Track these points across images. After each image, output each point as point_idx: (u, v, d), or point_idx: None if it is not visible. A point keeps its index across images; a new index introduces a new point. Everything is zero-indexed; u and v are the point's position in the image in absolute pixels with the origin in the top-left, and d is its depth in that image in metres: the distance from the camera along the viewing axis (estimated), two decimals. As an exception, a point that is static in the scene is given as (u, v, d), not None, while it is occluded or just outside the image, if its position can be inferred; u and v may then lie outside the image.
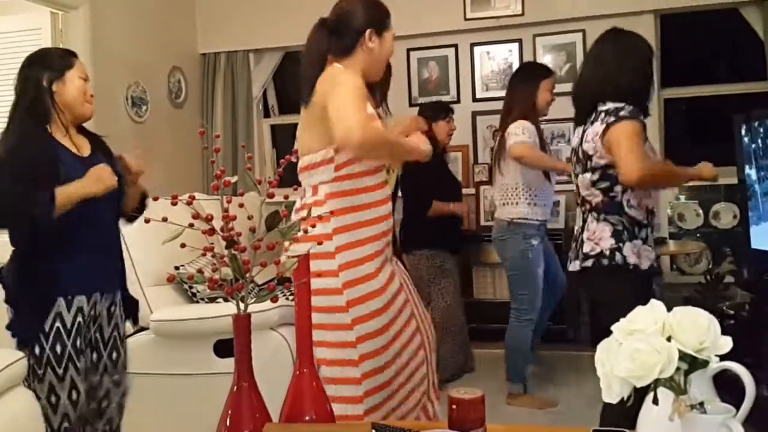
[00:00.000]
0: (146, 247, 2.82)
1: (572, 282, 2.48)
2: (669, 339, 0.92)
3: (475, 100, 4.73)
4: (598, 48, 2.33)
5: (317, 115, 1.92)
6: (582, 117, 2.34)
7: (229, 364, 1.16)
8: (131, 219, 2.26)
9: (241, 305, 1.13)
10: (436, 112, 3.76)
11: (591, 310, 4.15)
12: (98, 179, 1.98)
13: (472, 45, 4.70)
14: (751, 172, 2.98)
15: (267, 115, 5.27)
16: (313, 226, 1.31)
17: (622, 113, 2.16)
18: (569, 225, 4.09)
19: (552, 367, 3.87)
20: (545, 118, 3.51)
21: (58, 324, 2.01)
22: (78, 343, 2.04)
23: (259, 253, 1.14)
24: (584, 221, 2.32)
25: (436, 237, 3.66)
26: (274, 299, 1.16)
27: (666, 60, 4.44)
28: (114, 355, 2.19)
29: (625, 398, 0.93)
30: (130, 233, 2.31)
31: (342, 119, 1.79)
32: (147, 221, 1.23)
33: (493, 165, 3.51)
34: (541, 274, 3.35)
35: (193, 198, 1.18)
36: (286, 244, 1.21)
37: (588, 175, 2.25)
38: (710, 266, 4.32)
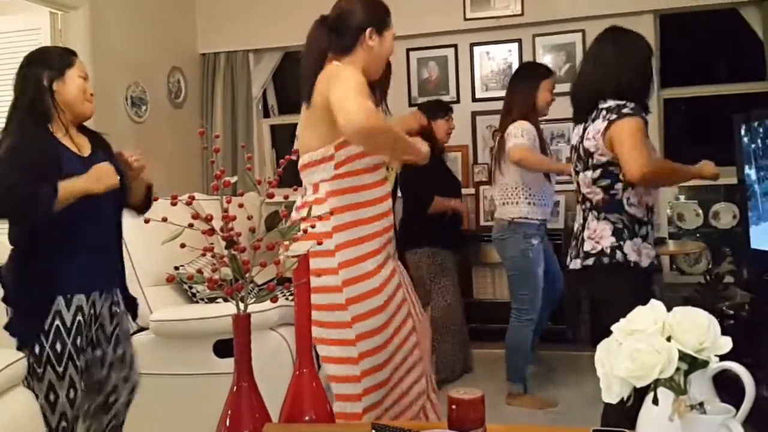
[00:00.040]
0: (146, 247, 2.82)
1: (572, 280, 2.48)
2: (669, 339, 0.92)
3: (474, 100, 4.73)
4: (598, 46, 2.33)
5: (318, 114, 1.92)
6: (581, 115, 2.34)
7: (228, 364, 1.16)
8: (140, 211, 2.25)
9: (241, 305, 1.13)
10: (435, 110, 3.76)
11: (591, 310, 4.15)
12: (99, 177, 1.98)
13: (472, 45, 4.70)
14: (751, 172, 2.98)
15: (267, 115, 5.27)
16: (313, 227, 1.31)
17: (624, 110, 2.16)
18: (569, 225, 4.09)
19: (552, 367, 3.87)
20: (545, 118, 3.51)
21: (57, 322, 2.01)
22: (78, 341, 2.05)
23: (258, 253, 1.14)
24: (584, 219, 2.32)
25: (437, 235, 3.66)
26: (274, 299, 1.16)
27: (665, 60, 4.44)
28: (119, 350, 2.19)
29: (625, 398, 0.93)
30: (129, 233, 2.31)
31: (344, 107, 1.79)
32: (147, 221, 1.22)
33: (493, 165, 3.52)
34: (542, 274, 3.35)
35: (193, 198, 1.18)
36: (287, 243, 1.21)
37: (589, 172, 2.25)
38: (710, 266, 4.32)
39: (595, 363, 0.98)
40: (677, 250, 4.17)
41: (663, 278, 3.92)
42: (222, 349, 2.76)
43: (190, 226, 1.12)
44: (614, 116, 2.16)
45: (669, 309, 0.96)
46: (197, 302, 3.05)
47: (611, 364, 0.94)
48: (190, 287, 3.04)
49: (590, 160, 2.24)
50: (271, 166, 5.17)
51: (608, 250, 2.20)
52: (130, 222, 2.27)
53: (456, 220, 3.86)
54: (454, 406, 1.05)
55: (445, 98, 4.45)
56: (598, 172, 2.22)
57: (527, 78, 3.39)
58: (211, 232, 1.14)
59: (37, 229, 1.99)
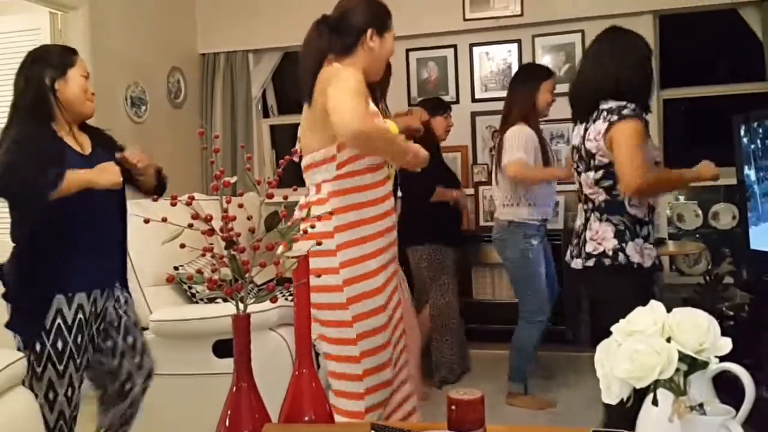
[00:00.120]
0: (145, 248, 2.82)
1: (573, 279, 2.48)
2: (668, 340, 0.92)
3: (474, 100, 4.73)
4: (597, 46, 2.32)
5: (319, 115, 1.92)
6: (581, 115, 2.34)
7: (228, 364, 1.16)
8: (156, 194, 2.27)
9: (241, 306, 1.13)
10: (434, 107, 3.77)
11: (591, 311, 4.15)
12: (104, 173, 1.98)
13: (471, 45, 4.70)
14: (751, 173, 2.98)
15: (266, 115, 5.27)
16: (313, 227, 1.31)
17: (624, 111, 2.15)
18: (569, 225, 4.09)
19: (551, 367, 3.87)
20: (545, 118, 3.51)
21: (59, 321, 2.02)
22: (78, 339, 2.06)
23: (258, 253, 1.13)
24: (586, 219, 2.32)
25: (436, 231, 3.66)
26: (274, 300, 1.16)
27: (665, 61, 4.44)
28: (129, 339, 2.22)
29: (625, 399, 0.93)
30: (129, 233, 2.32)
31: (339, 110, 1.79)
32: (146, 221, 1.22)
33: (493, 166, 3.51)
34: (543, 273, 3.34)
35: (193, 198, 1.17)
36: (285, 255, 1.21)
37: (591, 173, 2.25)
38: (709, 267, 4.32)
39: (594, 364, 0.98)
40: (677, 251, 4.17)
41: (663, 278, 3.92)
42: (221, 349, 2.76)
43: (190, 226, 1.12)
44: (615, 117, 2.16)
45: (669, 310, 0.96)
46: (197, 302, 3.06)
47: (611, 364, 0.94)
48: (190, 287, 3.04)
49: (592, 161, 2.24)
50: (270, 167, 5.17)
51: (610, 252, 2.20)
52: (130, 222, 2.28)
53: (456, 216, 3.86)
54: (453, 407, 1.05)
55: (445, 98, 4.44)
56: (600, 173, 2.22)
57: (527, 79, 3.39)
58: (211, 232, 1.14)
59: (39, 227, 1.99)
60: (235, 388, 1.12)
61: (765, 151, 2.89)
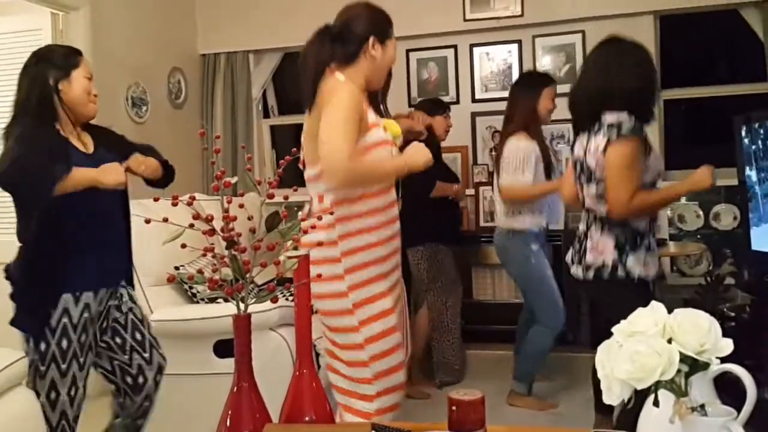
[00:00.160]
0: (147, 248, 2.82)
1: (573, 284, 2.48)
2: (670, 341, 0.92)
3: (474, 101, 4.72)
4: (597, 54, 2.31)
5: (318, 126, 1.92)
6: (582, 124, 2.33)
7: (229, 364, 1.16)
8: (164, 185, 2.32)
9: (241, 306, 1.13)
10: (433, 107, 3.77)
11: (591, 312, 4.15)
12: (108, 173, 1.99)
13: (472, 46, 4.70)
14: (752, 174, 2.98)
15: (266, 115, 5.27)
16: (313, 227, 1.31)
17: (623, 130, 2.14)
18: (569, 226, 4.08)
19: (552, 368, 3.87)
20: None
21: (65, 320, 2.03)
22: (83, 338, 2.07)
23: (259, 253, 1.13)
24: (588, 227, 2.32)
25: (436, 231, 3.65)
26: (274, 300, 1.16)
27: (666, 61, 4.43)
28: (137, 335, 2.25)
29: (626, 400, 0.93)
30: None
31: (327, 152, 1.82)
32: (148, 221, 1.22)
33: (494, 173, 3.48)
34: (551, 275, 3.32)
35: (194, 198, 1.17)
36: (284, 256, 1.21)
37: (593, 186, 2.25)
38: (710, 268, 4.32)
39: (595, 365, 0.98)
40: (678, 252, 4.17)
41: (665, 280, 3.92)
42: (222, 349, 2.76)
43: (191, 226, 1.12)
44: (614, 134, 2.15)
45: (670, 311, 0.96)
46: (198, 302, 3.06)
47: (612, 365, 0.93)
48: (191, 287, 3.04)
49: (593, 176, 2.24)
50: (271, 167, 5.17)
51: (609, 265, 2.20)
52: (131, 222, 2.29)
53: (456, 217, 3.86)
54: (454, 407, 1.05)
55: (445, 99, 4.44)
56: (602, 187, 2.22)
57: (528, 86, 3.38)
58: (212, 232, 1.14)
59: (45, 226, 2.00)
60: (235, 388, 1.12)
61: (766, 152, 2.89)
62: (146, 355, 2.26)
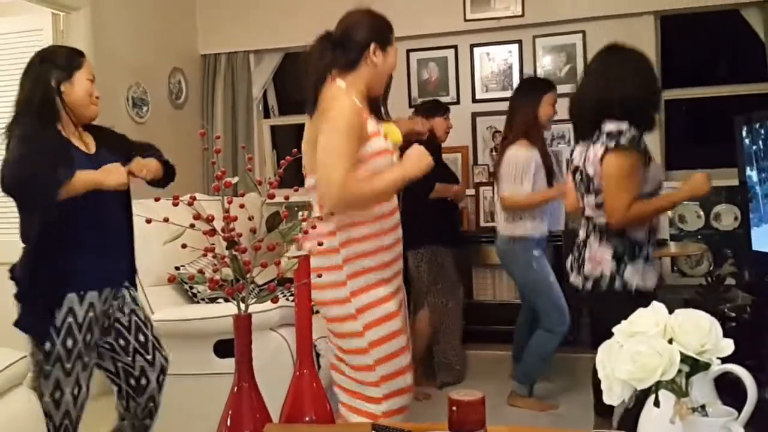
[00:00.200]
0: (147, 248, 2.82)
1: (572, 292, 2.49)
2: (670, 341, 0.92)
3: (474, 101, 4.73)
4: (598, 62, 2.31)
5: (318, 135, 1.92)
6: (582, 132, 2.32)
7: (229, 364, 1.16)
8: (165, 184, 2.33)
9: (242, 306, 1.13)
10: (433, 109, 3.78)
11: (591, 313, 4.14)
12: (111, 174, 2.00)
13: (472, 46, 4.70)
14: (752, 174, 2.97)
15: (267, 115, 5.27)
16: (314, 227, 1.31)
17: (623, 139, 2.13)
18: (570, 227, 4.08)
19: (553, 369, 3.87)
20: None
21: (70, 319, 2.04)
22: (88, 338, 2.07)
23: (259, 253, 1.13)
24: (587, 235, 2.32)
25: (436, 233, 3.65)
26: (275, 300, 1.16)
27: (666, 61, 4.43)
28: (141, 337, 2.26)
29: (626, 401, 0.93)
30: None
31: (323, 176, 1.83)
32: (148, 221, 1.22)
33: (495, 180, 3.48)
34: (554, 279, 3.31)
35: (194, 199, 1.18)
36: (286, 257, 1.21)
37: (592, 196, 2.25)
38: (711, 268, 4.31)
39: (596, 365, 0.98)
40: (679, 252, 4.17)
41: (665, 281, 3.91)
42: (222, 349, 2.77)
43: (192, 226, 1.12)
44: (612, 144, 2.14)
45: (670, 311, 0.96)
46: (198, 302, 3.06)
47: (612, 366, 0.93)
48: (191, 287, 3.04)
49: (591, 185, 2.24)
50: (271, 167, 5.17)
51: (607, 276, 2.20)
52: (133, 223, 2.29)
53: (456, 218, 3.85)
54: (454, 408, 1.05)
55: (445, 99, 4.45)
56: (601, 196, 2.21)
57: (528, 92, 3.37)
58: (212, 232, 1.14)
59: (48, 227, 2.00)
60: (236, 388, 1.12)
61: (767, 152, 2.89)
62: (149, 357, 2.26)
